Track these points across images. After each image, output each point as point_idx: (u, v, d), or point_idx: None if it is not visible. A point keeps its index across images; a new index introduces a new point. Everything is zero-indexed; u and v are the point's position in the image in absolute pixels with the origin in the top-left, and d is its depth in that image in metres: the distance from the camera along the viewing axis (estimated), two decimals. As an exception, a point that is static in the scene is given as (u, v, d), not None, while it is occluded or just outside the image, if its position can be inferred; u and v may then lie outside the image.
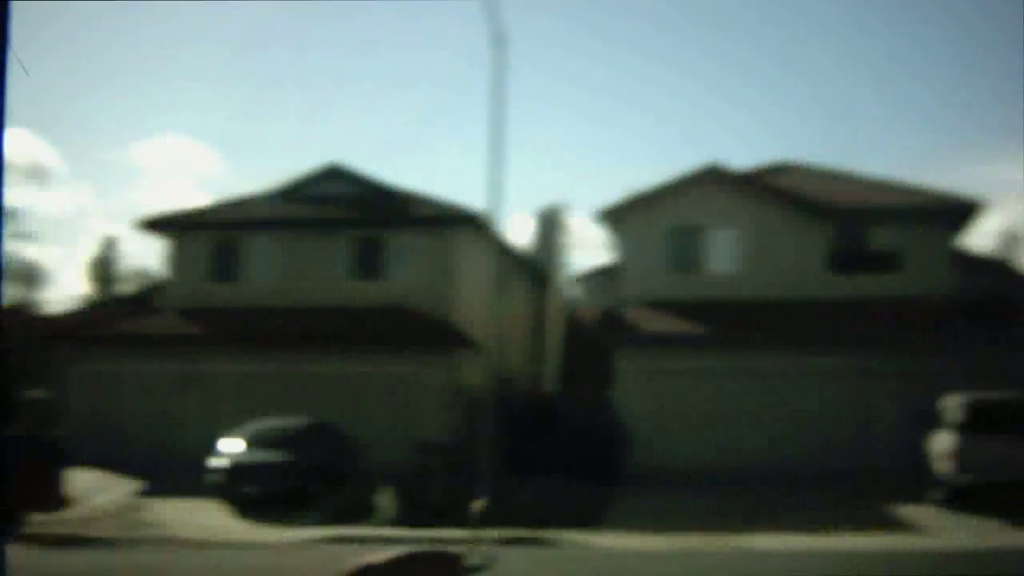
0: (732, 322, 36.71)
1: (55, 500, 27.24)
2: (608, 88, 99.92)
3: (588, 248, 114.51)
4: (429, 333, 37.94)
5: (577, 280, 58.66)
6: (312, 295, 39.66)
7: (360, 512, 28.62)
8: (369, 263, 40.17)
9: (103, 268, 76.38)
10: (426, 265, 39.65)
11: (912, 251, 37.73)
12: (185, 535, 25.71)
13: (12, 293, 56.56)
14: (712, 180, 39.38)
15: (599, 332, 40.49)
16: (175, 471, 33.61)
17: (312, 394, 36.76)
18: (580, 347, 48.73)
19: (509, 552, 16.98)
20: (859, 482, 31.79)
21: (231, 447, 30.53)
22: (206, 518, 28.24)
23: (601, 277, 54.05)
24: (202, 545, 23.24)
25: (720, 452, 35.13)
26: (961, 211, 38.05)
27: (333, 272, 40.23)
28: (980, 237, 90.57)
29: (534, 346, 47.71)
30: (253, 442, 30.79)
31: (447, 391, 34.27)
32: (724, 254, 38.85)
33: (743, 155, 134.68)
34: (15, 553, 20.48)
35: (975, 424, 27.94)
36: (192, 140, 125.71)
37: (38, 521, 27.30)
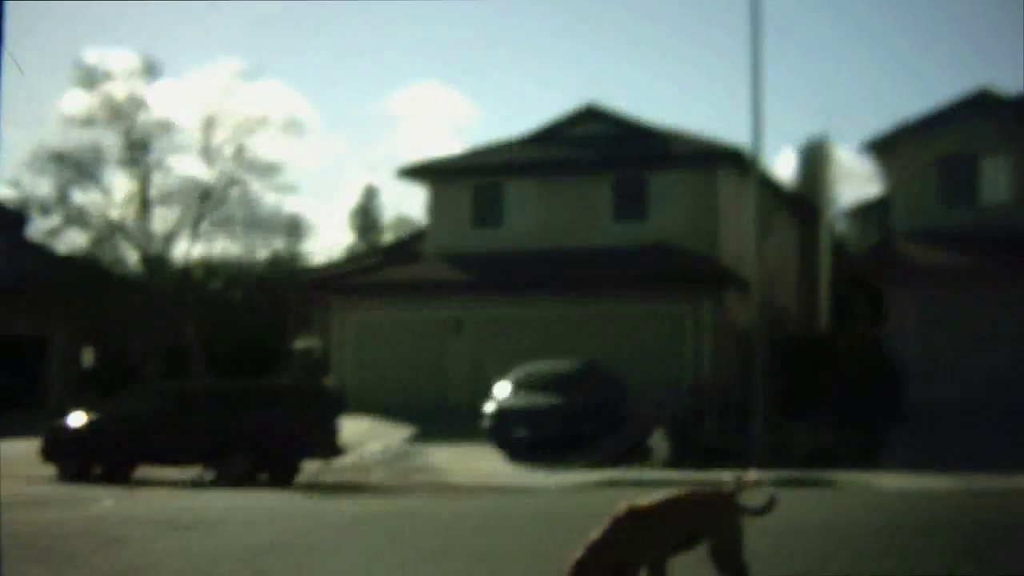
0: (1007, 253, 35.17)
1: (330, 448, 27.62)
2: (867, 13, 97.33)
3: (854, 182, 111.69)
4: (696, 272, 37.26)
5: (845, 215, 57.15)
6: (573, 238, 39.32)
7: (632, 455, 28.30)
8: (630, 204, 39.62)
9: (364, 218, 77.80)
10: (689, 204, 38.90)
11: None
12: (458, 481, 25.78)
13: (277, 245, 57.99)
14: (984, 107, 37.65)
15: (870, 267, 39.27)
16: (445, 417, 33.87)
17: (579, 337, 36.48)
18: (850, 283, 47.38)
19: (786, 493, 16.43)
20: None
21: (501, 392, 30.49)
22: (478, 463, 28.29)
23: (869, 211, 52.51)
24: (475, 491, 23.22)
25: (1000, 388, 33.74)
26: None
27: (594, 214, 39.81)
28: None
29: (803, 284, 46.62)
30: (523, 386, 30.69)
31: (716, 331, 33.64)
32: (997, 183, 37.19)
33: (1015, 80, 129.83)
34: (293, 500, 20.79)
35: None
36: (446, 87, 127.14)
37: (314, 469, 27.77)
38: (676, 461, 26.97)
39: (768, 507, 9.14)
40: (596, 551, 8.59)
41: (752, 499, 8.93)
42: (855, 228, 58.32)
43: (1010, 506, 17.34)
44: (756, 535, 9.48)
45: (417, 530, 15.10)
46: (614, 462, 27.54)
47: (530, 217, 40.45)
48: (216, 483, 26.29)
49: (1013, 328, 34.03)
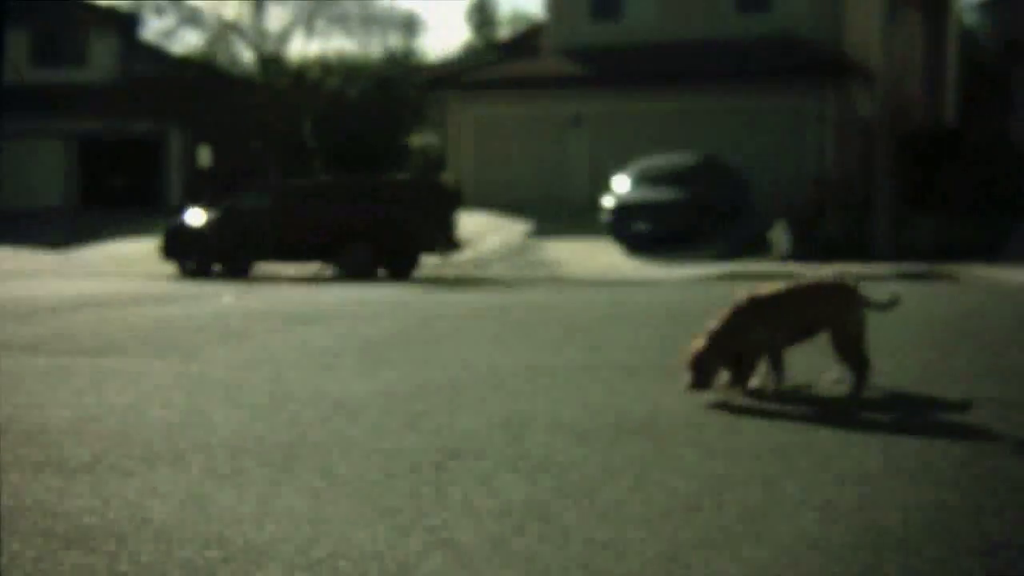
0: None
1: (447, 243, 27.64)
2: None
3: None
4: (820, 63, 36.34)
5: (974, 6, 55.33)
6: (694, 29, 38.48)
7: (753, 248, 28.04)
8: (755, -8, 38.69)
9: (481, 13, 76.83)
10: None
11: None
12: (577, 274, 25.71)
13: (393, 43, 57.52)
14: None
15: (999, 60, 38.12)
16: (563, 213, 33.72)
17: (699, 131, 35.96)
18: (979, 76, 46.14)
19: (909, 287, 16.10)
20: None
21: (620, 186, 30.19)
22: (598, 257, 28.18)
23: (1000, 4, 50.73)
24: (595, 284, 23.13)
25: None
26: None
27: (716, 4, 38.87)
28: None
29: (930, 76, 45.39)
30: (643, 180, 30.37)
31: (839, 124, 32.90)
32: None
33: None
34: (413, 294, 20.83)
35: None
36: None
37: (433, 263, 27.84)
38: (797, 255, 26.72)
39: (892, 303, 8.93)
40: (716, 339, 8.44)
41: (875, 294, 8.69)
42: (985, 20, 56.57)
43: None
44: (879, 328, 9.24)
45: (538, 321, 15.02)
46: (734, 255, 27.32)
47: (650, 8, 39.60)
48: (335, 278, 26.48)
49: None
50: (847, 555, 5.22)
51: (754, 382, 8.84)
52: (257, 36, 53.52)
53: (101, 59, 46.39)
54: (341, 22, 53.38)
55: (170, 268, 27.92)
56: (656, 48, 38.10)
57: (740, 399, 8.73)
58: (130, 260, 31.32)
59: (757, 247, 27.95)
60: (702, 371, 8.49)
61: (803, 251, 26.85)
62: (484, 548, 5.32)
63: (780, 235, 27.09)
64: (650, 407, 8.61)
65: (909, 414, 8.27)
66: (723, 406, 8.60)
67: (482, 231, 32.44)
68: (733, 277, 23.88)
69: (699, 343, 8.42)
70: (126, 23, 49.69)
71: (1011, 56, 35.88)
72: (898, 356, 10.32)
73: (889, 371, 9.36)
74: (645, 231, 29.02)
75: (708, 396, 8.65)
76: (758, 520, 5.74)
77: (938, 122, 42.51)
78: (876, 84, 32.09)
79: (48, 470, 6.77)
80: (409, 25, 61.57)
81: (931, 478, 6.35)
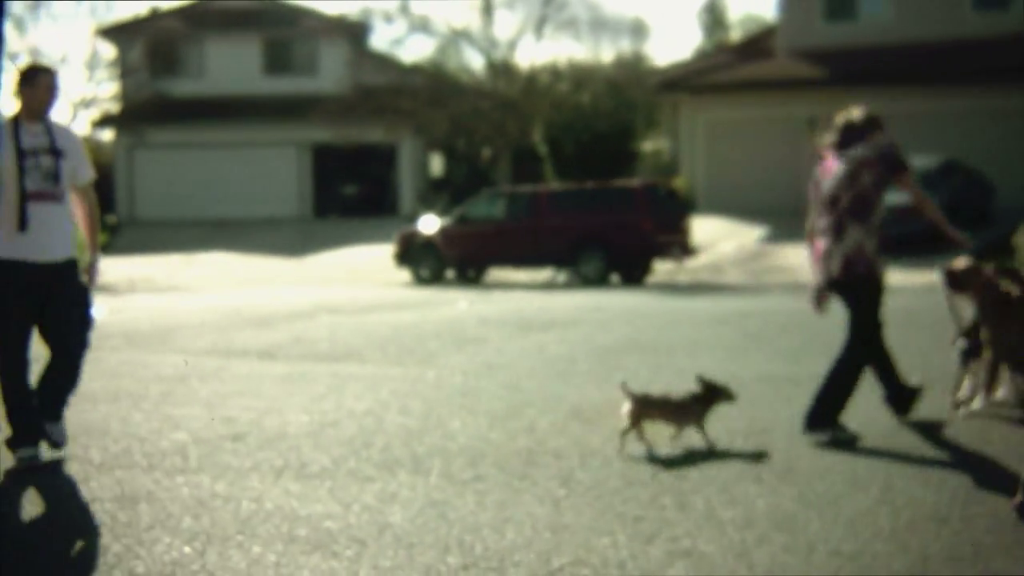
0: None
1: (681, 248, 27.42)
2: None
3: None
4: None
5: None
6: (931, 29, 37.52)
7: (997, 253, 27.20)
8: (995, -10, 37.60)
9: (712, 15, 76.38)
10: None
11: None
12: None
13: (623, 47, 57.52)
14: None
15: None
16: (799, 217, 33.09)
17: (940, 133, 35.05)
18: None
19: None
20: None
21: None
22: (834, 263, 27.65)
23: None
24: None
25: None
26: None
27: (953, 2, 37.85)
28: None
29: None
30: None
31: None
32: None
33: None
34: (647, 300, 20.69)
35: None
36: None
37: (666, 269, 27.67)
38: (1047, 259, 25.85)
39: None
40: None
41: None
42: None
43: None
44: None
45: (776, 328, 14.77)
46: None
47: (885, 8, 38.79)
48: (569, 284, 26.52)
49: None
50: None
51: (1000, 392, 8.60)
52: (487, 43, 54.02)
53: (332, 68, 47.35)
54: (570, 27, 53.67)
55: (404, 275, 28.33)
56: (891, 49, 37.25)
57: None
58: (364, 267, 31.87)
59: (1003, 251, 27.06)
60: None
61: None
62: (727, 558, 5.26)
63: None
64: (894, 416, 8.39)
65: None
66: (971, 414, 8.37)
67: (716, 236, 32.15)
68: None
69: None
70: (356, 32, 50.66)
71: None
72: None
73: None
74: (885, 235, 28.31)
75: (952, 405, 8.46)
76: (1008, 532, 5.59)
77: None
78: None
79: (288, 475, 6.86)
80: (637, 30, 61.50)
81: None
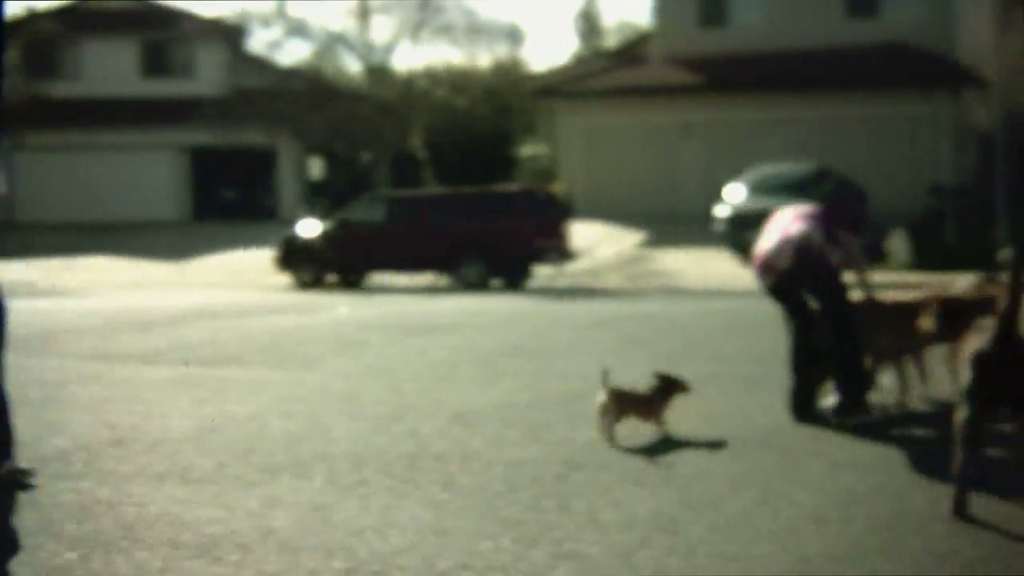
0: None
1: (560, 253, 27.60)
2: None
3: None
4: (933, 70, 35.97)
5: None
6: (803, 37, 38.20)
7: (872, 257, 27.77)
8: (863, -1, 38.40)
9: (587, 22, 76.83)
10: (928, -1, 37.48)
11: None
12: (693, 285, 25.55)
13: (499, 52, 57.67)
14: None
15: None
16: (675, 223, 33.56)
17: (813, 140, 35.75)
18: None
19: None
20: None
21: (734, 195, 29.97)
22: (713, 267, 27.99)
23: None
24: (712, 294, 22.99)
25: None
26: None
27: (825, 11, 38.55)
28: None
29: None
30: (756, 189, 30.12)
31: (956, 131, 32.49)
32: None
33: None
34: (527, 304, 20.79)
35: None
36: None
37: (546, 274, 27.83)
38: (917, 263, 26.49)
39: None
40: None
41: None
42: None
43: None
44: None
45: (655, 332, 14.94)
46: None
47: (758, 16, 39.40)
48: (449, 288, 26.58)
49: None
50: (978, 567, 5.19)
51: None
52: (364, 47, 53.94)
53: (209, 71, 47.05)
54: (447, 33, 53.73)
55: (285, 279, 28.19)
56: (764, 56, 37.88)
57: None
58: (245, 271, 31.66)
59: (876, 255, 27.70)
60: None
61: (923, 259, 26.63)
62: (610, 561, 5.30)
63: (898, 244, 26.78)
64: (775, 419, 8.55)
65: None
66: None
67: (594, 241, 32.39)
68: (849, 286, 23.61)
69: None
70: (233, 34, 50.39)
71: None
72: None
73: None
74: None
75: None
76: (885, 532, 5.71)
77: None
78: (990, 92, 31.50)
79: (171, 480, 6.83)
80: (513, 35, 61.70)
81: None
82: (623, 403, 7.75)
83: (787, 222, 8.65)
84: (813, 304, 8.58)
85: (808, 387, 8.57)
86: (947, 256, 26.13)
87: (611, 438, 7.64)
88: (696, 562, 5.28)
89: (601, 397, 7.74)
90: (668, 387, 7.93)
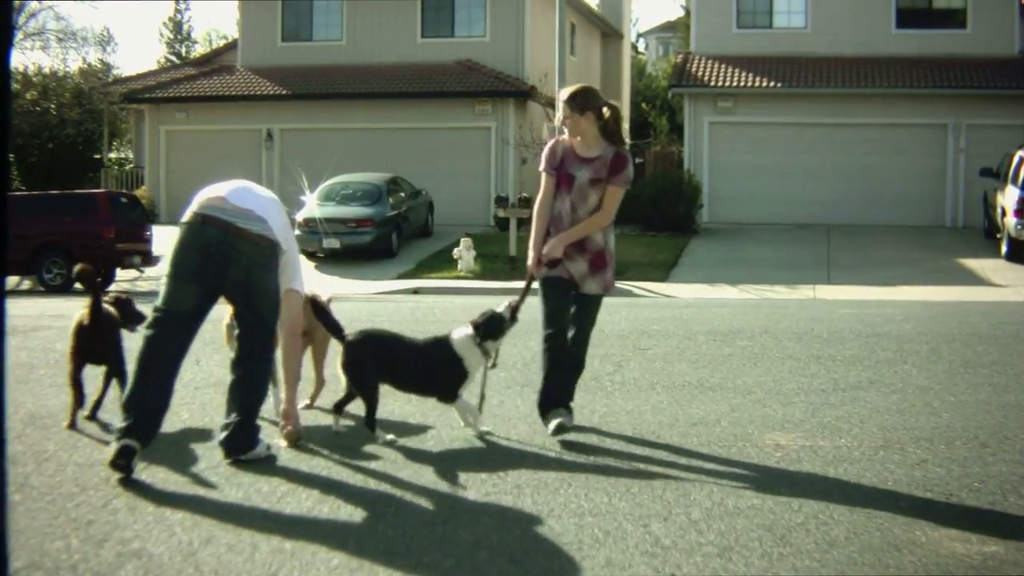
0: (800, 74, 36.38)
1: (144, 257, 27.97)
2: None
3: (655, 3, 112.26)
4: (499, 87, 38.04)
5: (643, 35, 57.99)
6: (383, 53, 39.47)
7: (438, 264, 28.96)
8: (439, 21, 39.84)
9: (176, 31, 76.26)
10: (497, 21, 39.29)
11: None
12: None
13: (90, 57, 56.63)
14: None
15: (670, 86, 40.12)
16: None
17: (385, 151, 37.05)
18: (649, 101, 48.53)
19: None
20: (930, 235, 32.04)
21: (309, 202, 30.55)
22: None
23: (670, 32, 53.39)
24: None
25: (791, 206, 35.38)
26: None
27: (402, 30, 39.95)
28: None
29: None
30: (330, 197, 30.86)
31: (521, 146, 34.15)
32: (797, 7, 37.85)
33: None
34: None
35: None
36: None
37: (130, 277, 27.97)
38: (482, 271, 27.59)
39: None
40: None
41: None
42: (656, 49, 59.56)
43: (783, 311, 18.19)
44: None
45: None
46: (420, 271, 28.25)
47: (338, 31, 40.41)
48: (32, 291, 26.38)
49: (807, 149, 35.64)
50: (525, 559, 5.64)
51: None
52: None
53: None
54: (38, 36, 52.41)
55: None
56: (345, 70, 39.03)
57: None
58: None
59: (442, 262, 28.88)
60: None
61: (487, 267, 27.81)
62: (175, 558, 5.56)
63: (464, 252, 27.79)
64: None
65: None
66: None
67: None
68: (417, 292, 25.05)
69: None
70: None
71: (678, 80, 37.84)
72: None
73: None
74: (333, 246, 29.47)
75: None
76: (440, 525, 6.17)
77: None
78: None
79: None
80: (104, 41, 60.68)
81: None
82: None
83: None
84: None
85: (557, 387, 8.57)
86: (509, 264, 27.34)
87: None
88: (257, 558, 5.58)
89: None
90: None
